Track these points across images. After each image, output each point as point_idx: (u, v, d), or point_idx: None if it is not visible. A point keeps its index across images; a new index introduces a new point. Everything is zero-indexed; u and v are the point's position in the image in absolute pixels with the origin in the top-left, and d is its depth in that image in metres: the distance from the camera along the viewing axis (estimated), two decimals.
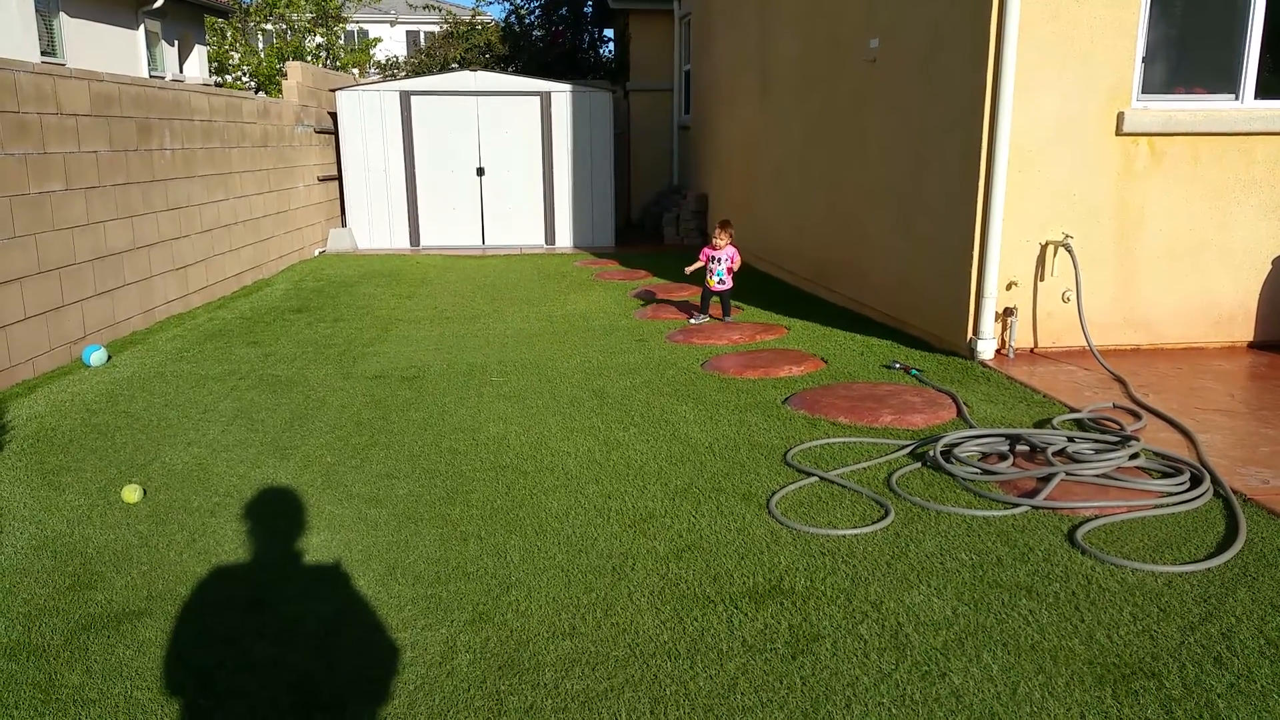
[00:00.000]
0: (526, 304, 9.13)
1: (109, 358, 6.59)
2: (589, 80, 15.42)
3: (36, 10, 12.57)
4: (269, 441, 4.94)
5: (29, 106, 6.04)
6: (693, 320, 7.98)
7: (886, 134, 7.37)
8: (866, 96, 7.72)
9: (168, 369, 6.44)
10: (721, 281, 7.97)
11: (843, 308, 8.33)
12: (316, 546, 3.67)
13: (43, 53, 12.65)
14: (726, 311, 8.06)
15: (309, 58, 20.13)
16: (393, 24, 38.02)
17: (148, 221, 7.63)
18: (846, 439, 4.77)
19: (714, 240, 8.02)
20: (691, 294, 9.44)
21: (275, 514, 3.99)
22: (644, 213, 16.00)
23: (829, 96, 8.55)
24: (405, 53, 27.46)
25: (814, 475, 4.27)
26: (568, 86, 13.13)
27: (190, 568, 3.50)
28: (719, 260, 7.95)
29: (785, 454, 4.60)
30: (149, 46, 15.28)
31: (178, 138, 8.19)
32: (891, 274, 7.38)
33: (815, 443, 4.73)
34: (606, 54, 17.05)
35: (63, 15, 13.16)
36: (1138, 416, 4.92)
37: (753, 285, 9.78)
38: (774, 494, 4.07)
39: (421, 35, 37.14)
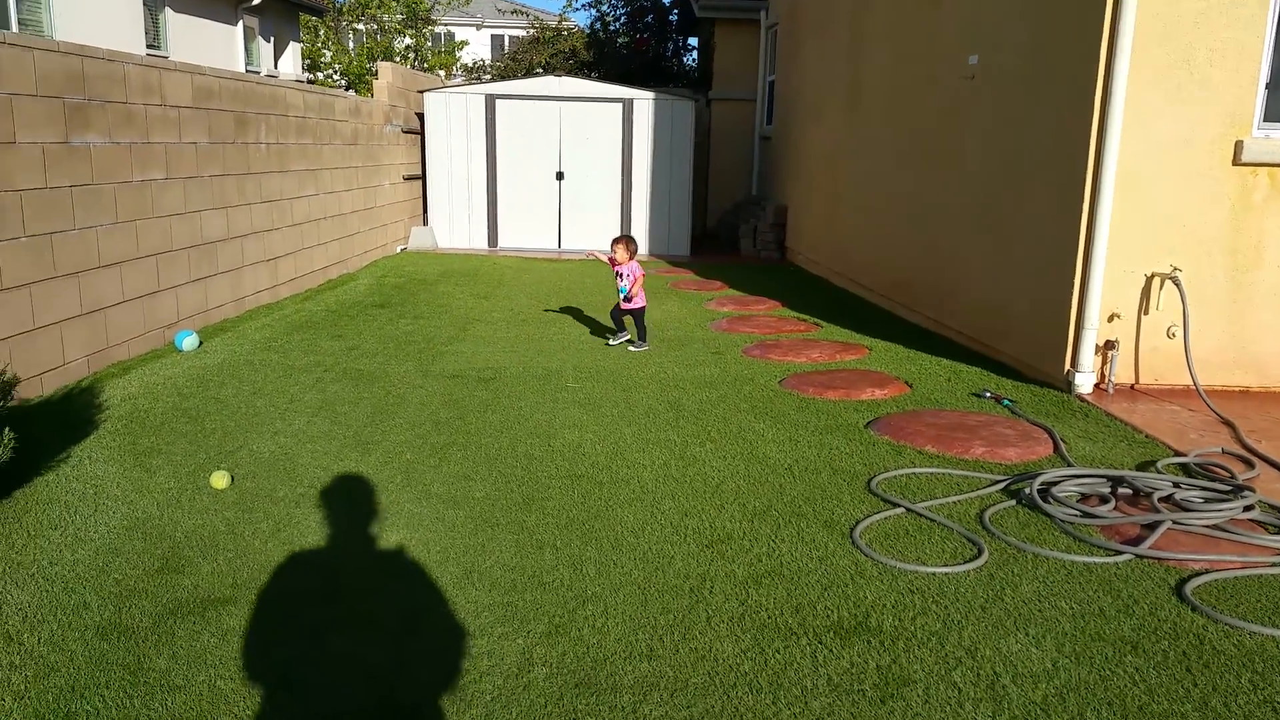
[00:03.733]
0: (602, 311, 9.11)
1: (200, 343, 6.76)
2: (671, 88, 15.41)
3: (144, 5, 13.03)
4: (351, 435, 5.00)
5: (135, 97, 6.23)
6: (610, 341, 7.48)
7: (983, 153, 7.18)
8: (962, 114, 7.53)
9: (256, 358, 6.57)
10: (628, 299, 7.39)
11: (926, 329, 8.14)
12: (396, 544, 3.68)
13: (148, 46, 13.11)
14: (639, 335, 7.39)
15: (398, 58, 20.52)
16: (478, 28, 38.58)
17: (241, 213, 7.82)
18: (935, 470, 4.63)
19: (614, 259, 7.45)
20: (769, 308, 9.34)
21: (356, 508, 4.02)
22: (720, 223, 15.91)
23: (922, 112, 8.37)
24: (490, 56, 27.84)
25: (900, 506, 4.14)
26: (650, 94, 13.12)
27: (273, 557, 3.53)
28: (620, 276, 7.43)
29: (869, 481, 4.48)
30: (246, 42, 15.74)
31: (273, 132, 8.38)
32: (981, 298, 7.18)
33: (901, 471, 4.60)
34: (689, 62, 17.02)
35: (168, 10, 13.62)
36: (1250, 464, 4.67)
37: (831, 301, 9.63)
38: (858, 523, 3.96)
39: (506, 39, 37.65)
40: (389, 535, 3.77)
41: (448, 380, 6.23)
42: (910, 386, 6.27)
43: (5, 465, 3.65)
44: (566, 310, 9.02)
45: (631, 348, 7.30)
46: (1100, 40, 5.60)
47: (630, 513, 4.06)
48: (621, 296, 7.42)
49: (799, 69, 12.76)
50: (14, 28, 10.56)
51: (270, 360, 6.54)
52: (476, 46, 34.44)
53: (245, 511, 3.94)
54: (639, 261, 7.54)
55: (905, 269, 8.70)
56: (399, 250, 12.80)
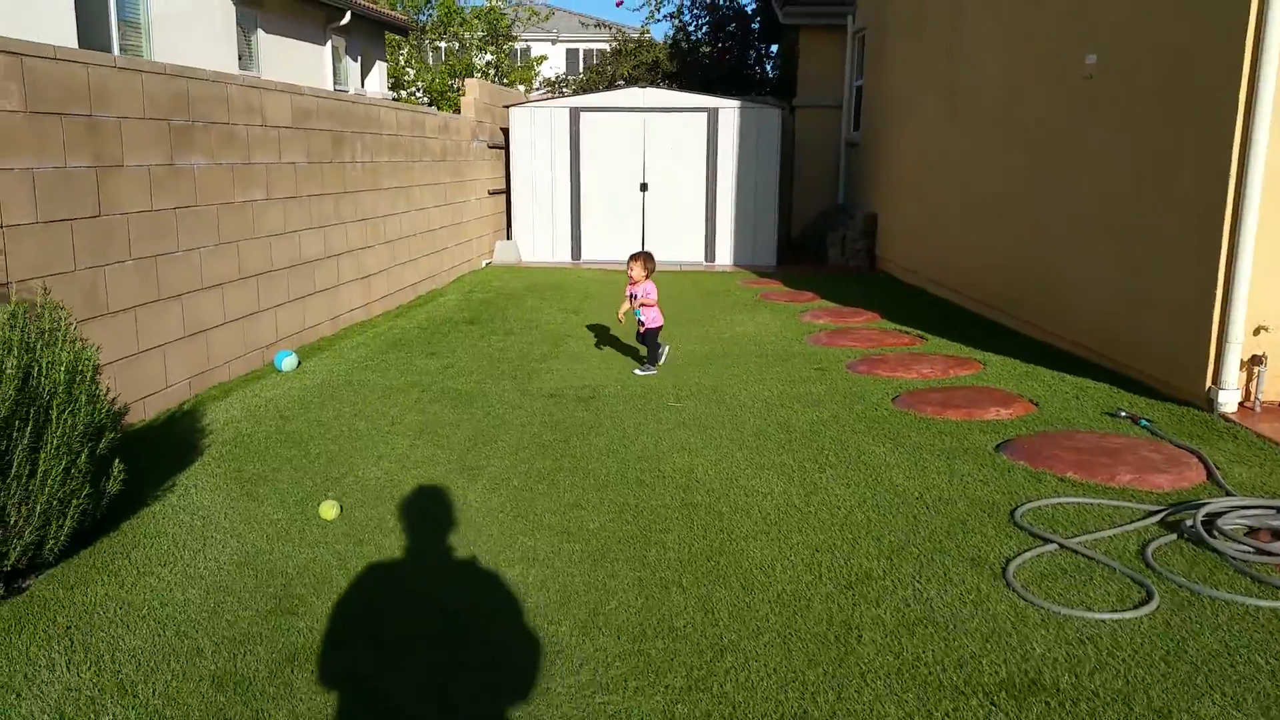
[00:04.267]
0: (693, 324, 8.88)
1: (299, 363, 6.73)
2: (754, 96, 15.13)
3: (238, 25, 13.30)
4: (455, 460, 4.85)
5: (238, 118, 6.23)
6: (637, 371, 6.88)
7: (1105, 157, 6.74)
8: (1081, 116, 7.10)
9: (354, 377, 6.51)
10: (640, 324, 6.99)
11: (1041, 342, 7.69)
12: (514, 581, 3.49)
13: (241, 68, 13.37)
14: (651, 358, 6.95)
15: (478, 74, 20.68)
16: (554, 42, 38.86)
17: (337, 231, 7.81)
18: (1080, 499, 4.26)
19: (632, 277, 7.05)
20: (867, 320, 8.99)
21: (469, 541, 3.85)
22: (806, 232, 15.55)
23: (1031, 115, 7.95)
24: (565, 70, 27.93)
25: (1051, 542, 3.79)
26: (735, 102, 12.87)
27: (389, 595, 3.37)
28: (632, 298, 7.02)
29: (1012, 512, 4.13)
30: (334, 62, 15.98)
31: (367, 150, 8.38)
32: (1106, 309, 6.73)
33: (1045, 501, 4.24)
34: (772, 70, 16.72)
35: (260, 31, 13.89)
36: None
37: (933, 313, 9.23)
38: (1009, 561, 3.63)
39: (581, 54, 37.84)
40: (506, 570, 3.58)
41: (546, 400, 6.06)
42: (1036, 405, 5.87)
43: (114, 498, 3.56)
44: None
45: (638, 370, 6.88)
46: (1245, 38, 5.16)
47: (757, 547, 3.80)
48: (638, 320, 7.01)
49: (889, 73, 12.37)
50: (115, 50, 10.83)
51: (368, 380, 6.47)
52: (553, 61, 34.66)
53: (356, 544, 3.80)
54: (654, 279, 7.08)
55: (1015, 278, 8.26)
56: (484, 265, 12.78)
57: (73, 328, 3.45)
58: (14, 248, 4.24)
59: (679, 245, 13.36)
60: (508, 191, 13.68)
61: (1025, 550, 3.73)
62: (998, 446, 5.08)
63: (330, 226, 7.67)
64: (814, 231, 15.09)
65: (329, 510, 4.03)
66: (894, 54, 12.15)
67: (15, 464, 3.03)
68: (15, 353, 3.08)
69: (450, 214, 11.02)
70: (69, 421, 3.15)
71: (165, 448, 4.94)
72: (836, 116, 15.12)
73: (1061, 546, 3.77)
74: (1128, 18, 6.44)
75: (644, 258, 7.05)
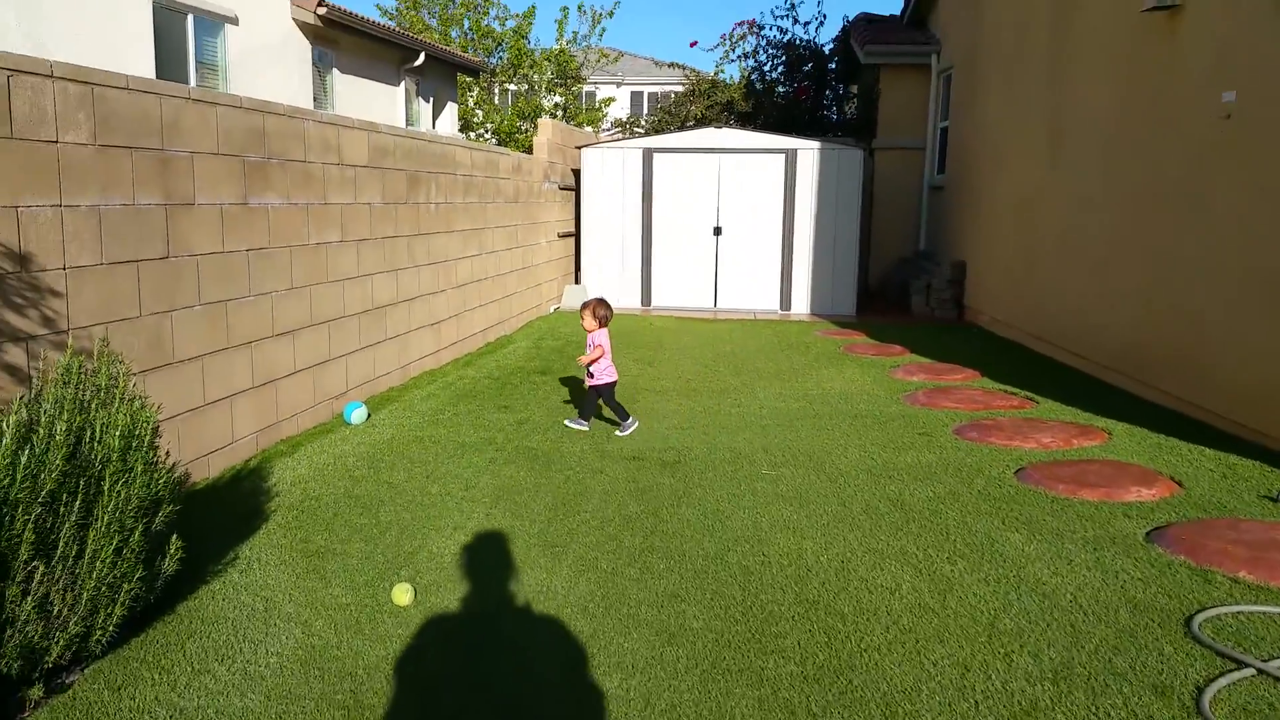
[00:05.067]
0: (775, 378, 8.37)
1: (369, 415, 6.37)
2: (831, 137, 14.69)
3: (314, 65, 13.29)
4: (536, 533, 4.39)
5: (314, 156, 5.95)
6: (619, 432, 6.25)
7: (1244, 201, 6.12)
8: (1212, 157, 6.49)
9: (425, 433, 6.11)
10: (590, 375, 6.35)
11: (1171, 409, 7.01)
12: (614, 695, 3.00)
13: (315, 107, 13.36)
14: (583, 410, 6.39)
15: (546, 116, 20.59)
16: (619, 85, 39.02)
17: (410, 275, 7.49)
18: (1266, 607, 3.64)
19: (585, 328, 6.43)
20: (966, 377, 8.38)
21: (558, 638, 3.37)
22: (884, 279, 14.98)
23: (1153, 156, 7.35)
24: (629, 112, 27.85)
25: (1248, 665, 3.19)
26: (815, 143, 12.43)
27: (474, 710, 2.90)
28: (585, 348, 6.46)
29: (1187, 622, 3.53)
30: (407, 103, 15.96)
31: (442, 191, 8.09)
32: (1250, 373, 6.07)
33: (1224, 609, 3.63)
34: (851, 111, 16.28)
35: (335, 71, 13.88)
36: None
37: (1038, 371, 8.59)
38: (1202, 691, 3.04)
39: (646, 96, 37.91)
40: (604, 681, 3.09)
41: (628, 463, 5.59)
42: (1181, 485, 5.23)
43: (170, 578, 3.16)
44: (737, 378, 8.31)
45: (569, 422, 6.36)
46: None
47: (892, 662, 3.25)
48: (587, 372, 6.42)
49: (979, 114, 11.83)
50: None
51: (440, 436, 6.07)
52: (618, 104, 34.72)
53: (432, 639, 3.35)
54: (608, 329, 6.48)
55: (1138, 336, 7.59)
56: (552, 310, 12.45)
57: (132, 384, 3.08)
58: (76, 291, 3.93)
59: (753, 292, 12.89)
60: (577, 234, 13.38)
61: (1217, 675, 3.13)
62: (1149, 535, 4.46)
63: (403, 270, 7.36)
64: (894, 279, 14.51)
65: (402, 595, 3.59)
66: (985, 93, 11.62)
67: (61, 544, 2.65)
68: (67, 414, 2.70)
69: (521, 257, 10.70)
70: (123, 494, 2.77)
71: (229, 512, 4.56)
72: (918, 159, 14.60)
73: (1259, 671, 3.16)
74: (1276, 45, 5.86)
75: (593, 305, 6.40)
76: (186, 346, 4.73)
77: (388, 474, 5.25)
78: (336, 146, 6.24)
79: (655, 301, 13.02)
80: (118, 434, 2.75)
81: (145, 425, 2.89)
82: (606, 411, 6.58)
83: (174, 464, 3.16)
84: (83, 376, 2.84)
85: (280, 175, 5.57)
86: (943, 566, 4.10)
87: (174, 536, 3.09)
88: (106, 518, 2.69)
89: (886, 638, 3.43)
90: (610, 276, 12.97)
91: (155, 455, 2.96)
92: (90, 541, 2.67)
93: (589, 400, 6.41)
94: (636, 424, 6.34)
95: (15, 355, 3.59)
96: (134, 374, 4.31)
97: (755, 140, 12.50)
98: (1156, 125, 7.33)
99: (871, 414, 7.02)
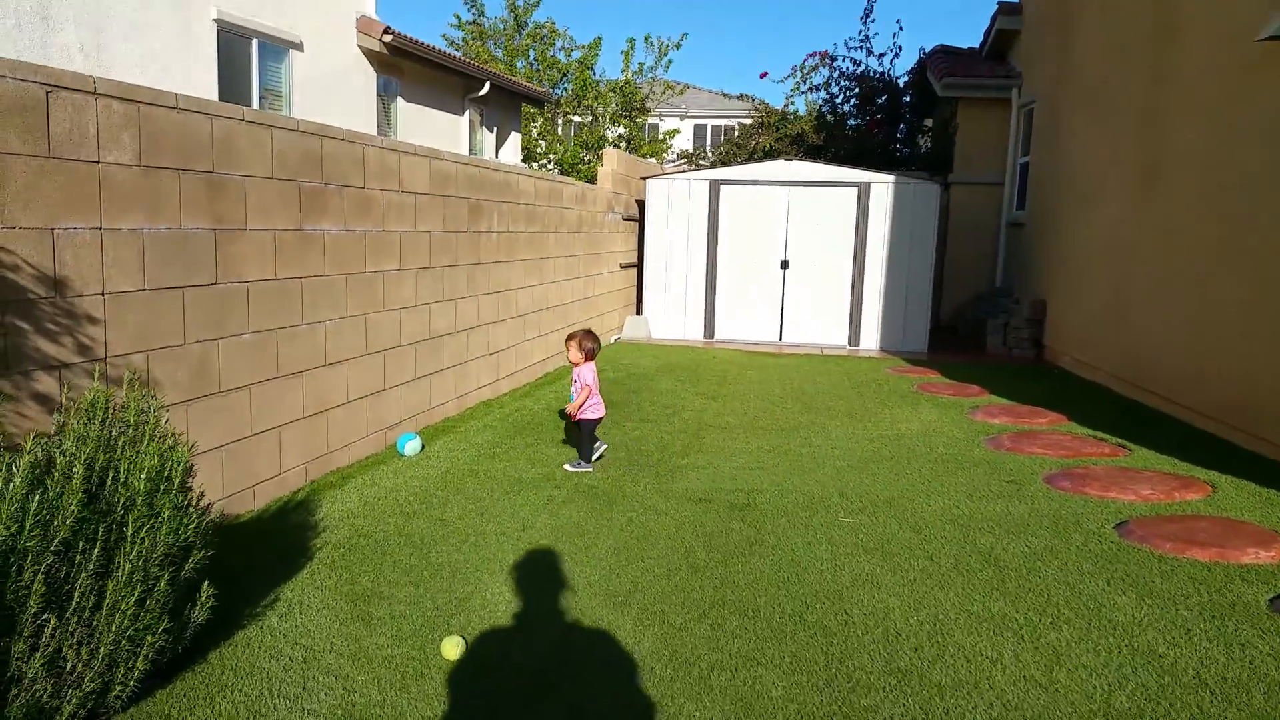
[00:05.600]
0: (847, 417, 7.95)
1: (422, 446, 6.13)
2: (905, 171, 14.27)
3: (379, 94, 13.35)
4: (598, 581, 4.06)
5: (373, 183, 5.79)
6: (569, 466, 5.91)
7: None
8: None
9: (480, 467, 5.85)
10: (578, 408, 5.99)
11: (1277, 462, 6.44)
12: None
13: (379, 134, 13.43)
14: (583, 455, 5.96)
15: (610, 147, 20.54)
16: (682, 118, 39.09)
17: (469, 304, 7.29)
18: None
19: (570, 360, 6.14)
20: (1051, 421, 7.86)
21: (622, 703, 3.03)
22: (957, 316, 14.43)
23: (1263, 197, 6.82)
24: (692, 145, 27.75)
25: None
26: (890, 177, 12.04)
27: None
28: (572, 381, 6.09)
29: None
30: (471, 133, 15.98)
31: (504, 220, 7.90)
32: None
33: None
34: (924, 145, 15.85)
35: (400, 100, 13.94)
36: None
37: (1130, 418, 8.03)
38: None
39: (709, 129, 37.85)
40: None
41: (694, 505, 5.25)
42: None
43: (201, 626, 2.91)
44: (807, 415, 7.91)
45: (569, 466, 5.91)
46: None
47: None
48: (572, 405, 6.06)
49: (1063, 149, 11.33)
50: None
51: (495, 470, 5.80)
52: (681, 136, 34.73)
53: (484, 698, 3.03)
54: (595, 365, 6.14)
55: (1244, 384, 7.02)
56: (613, 340, 12.19)
57: (164, 420, 2.85)
58: (116, 318, 3.75)
59: (820, 327, 12.48)
60: (640, 265, 13.15)
61: None
62: (1272, 603, 3.96)
63: (462, 299, 7.16)
64: (968, 316, 13.97)
65: (452, 649, 3.29)
66: (1070, 128, 11.13)
67: (77, 595, 2.41)
68: (89, 453, 2.47)
69: (582, 287, 10.48)
70: (147, 541, 2.52)
71: (272, 548, 4.33)
72: (995, 194, 14.09)
73: None
74: None
75: (580, 337, 6.06)
76: (234, 375, 4.54)
77: (440, 510, 4.98)
78: (397, 173, 6.08)
79: (719, 334, 12.68)
80: (143, 476, 2.52)
81: (176, 466, 2.65)
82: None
83: (208, 505, 2.92)
84: (109, 412, 2.62)
85: (337, 201, 5.40)
86: (1047, 634, 3.66)
87: (205, 584, 2.83)
88: (128, 566, 2.44)
89: (990, 715, 3.02)
90: (674, 308, 12.69)
91: (187, 498, 2.72)
92: (110, 592, 2.43)
93: (584, 437, 5.99)
94: (591, 469, 5.90)
95: (46, 384, 3.41)
96: (176, 404, 4.12)
97: (827, 173, 12.16)
98: (1261, 164, 6.82)
99: (953, 458, 6.58)
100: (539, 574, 4.14)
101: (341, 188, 5.43)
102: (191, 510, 2.71)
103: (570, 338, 6.08)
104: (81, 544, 2.40)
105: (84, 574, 2.40)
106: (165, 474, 2.64)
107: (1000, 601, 3.97)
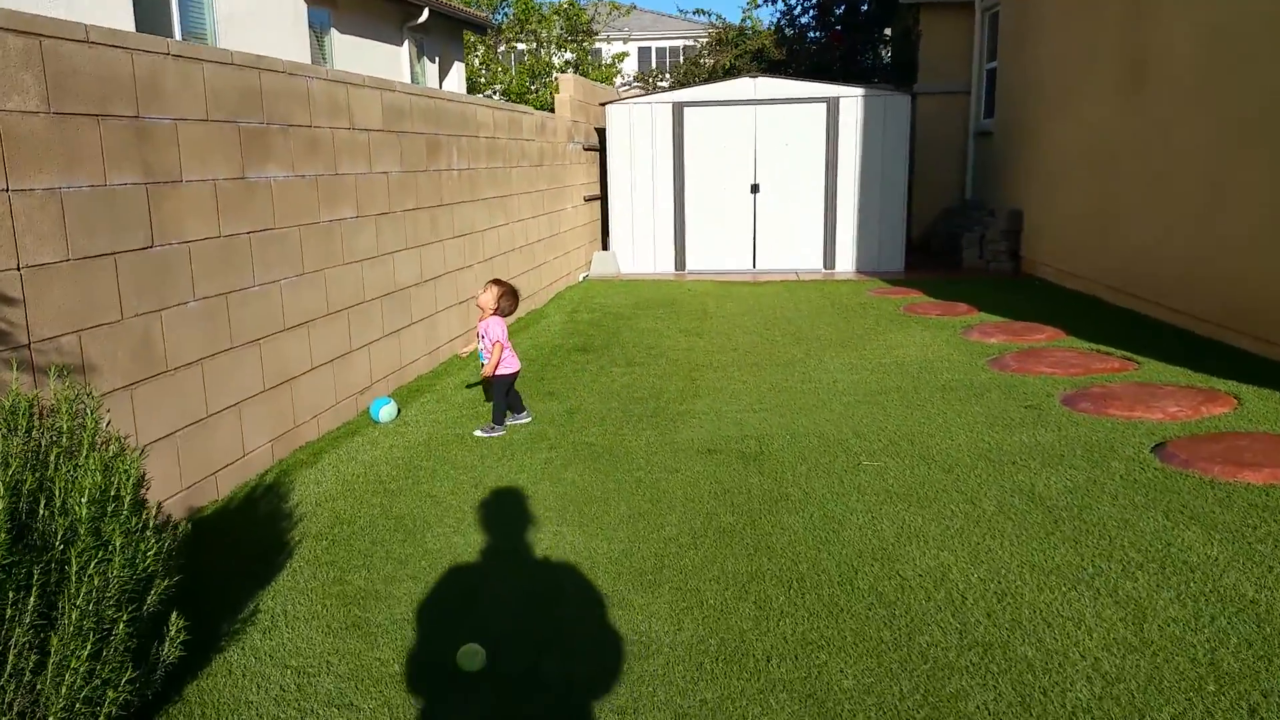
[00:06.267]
0: (840, 345, 7.57)
1: (399, 411, 5.61)
2: (872, 84, 13.72)
3: (310, 27, 12.39)
4: (618, 557, 3.63)
5: (321, 120, 5.14)
6: (479, 432, 5.27)
7: None
8: None
9: (464, 428, 5.36)
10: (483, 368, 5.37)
11: None
12: None
13: None
14: (495, 417, 5.31)
15: (556, 74, 19.63)
16: (626, 40, 37.81)
17: (434, 251, 6.70)
18: None
19: (478, 304, 5.46)
20: (1050, 337, 7.56)
21: (677, 712, 2.62)
22: (928, 232, 14.08)
23: (1268, 84, 6.44)
24: (637, 69, 26.78)
25: None
26: (859, 90, 11.50)
27: None
28: (480, 336, 5.43)
29: None
30: (411, 64, 15.04)
31: (464, 156, 7.26)
32: None
33: None
34: (886, 57, 15.28)
35: (334, 32, 12.98)
36: None
37: (1131, 329, 7.74)
38: None
39: (654, 52, 36.66)
40: None
41: (703, 458, 4.83)
42: None
43: (173, 665, 2.41)
44: (799, 347, 7.51)
45: (479, 432, 5.25)
46: None
47: None
48: (481, 362, 5.45)
49: (1033, 52, 10.87)
50: None
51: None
52: (628, 60, 33.58)
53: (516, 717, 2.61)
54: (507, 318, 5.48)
55: (1255, 291, 6.73)
56: (581, 279, 11.64)
57: (105, 421, 2.32)
58: (36, 295, 3.16)
59: (795, 251, 12.04)
60: (603, 198, 12.53)
61: None
62: None
63: (427, 246, 6.56)
64: (940, 232, 13.62)
65: (471, 660, 2.84)
66: (1041, 30, 10.64)
67: (11, 657, 1.90)
68: (10, 475, 1.94)
69: (548, 225, 9.88)
70: (96, 580, 2.01)
71: (244, 545, 3.82)
72: (961, 104, 13.63)
73: None
74: None
75: (502, 289, 5.37)
76: (182, 350, 3.96)
77: (428, 484, 4.50)
78: (346, 108, 5.42)
79: (690, 265, 12.18)
80: (84, 499, 2.00)
81: (125, 479, 2.13)
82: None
83: (167, 519, 2.40)
84: (34, 418, 2.08)
85: (283, 143, 4.76)
86: (1122, 583, 3.32)
87: (174, 614, 2.33)
88: (75, 614, 1.94)
89: (1093, 692, 2.67)
90: (642, 241, 12.14)
91: (142, 517, 2.20)
92: (55, 648, 1.93)
93: (497, 396, 5.33)
94: (503, 432, 5.28)
95: None
96: (118, 390, 3.55)
97: (794, 89, 11.57)
98: (1273, 50, 6.41)
99: (961, 384, 6.23)
100: (552, 554, 3.69)
101: (286, 127, 4.78)
102: (149, 533, 2.19)
103: (491, 284, 5.34)
104: (10, 593, 1.89)
105: (18, 630, 1.90)
106: (112, 492, 2.12)
107: (1061, 549, 3.63)
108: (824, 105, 11.49)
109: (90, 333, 3.39)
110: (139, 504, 2.22)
